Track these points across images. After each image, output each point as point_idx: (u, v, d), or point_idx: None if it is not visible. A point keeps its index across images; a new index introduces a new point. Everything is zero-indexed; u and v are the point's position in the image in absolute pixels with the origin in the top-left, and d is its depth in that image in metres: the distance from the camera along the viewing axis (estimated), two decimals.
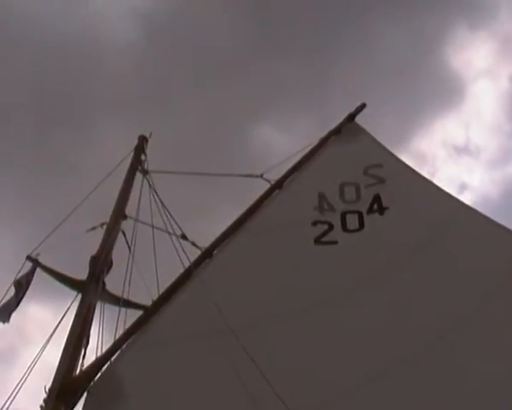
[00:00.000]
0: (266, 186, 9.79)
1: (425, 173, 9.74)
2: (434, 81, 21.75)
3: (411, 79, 20.89)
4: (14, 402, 6.91)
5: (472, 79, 22.92)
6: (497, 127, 22.67)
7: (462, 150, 23.49)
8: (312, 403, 7.13)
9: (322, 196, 9.56)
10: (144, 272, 8.36)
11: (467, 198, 21.45)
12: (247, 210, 9.43)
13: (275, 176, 9.85)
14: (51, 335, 7.59)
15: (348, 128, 10.65)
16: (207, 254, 8.83)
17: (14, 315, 7.94)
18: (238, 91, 18.87)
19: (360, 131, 10.61)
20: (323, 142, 10.45)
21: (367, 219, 9.14)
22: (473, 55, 22.76)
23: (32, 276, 8.28)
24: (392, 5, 20.26)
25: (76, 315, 7.76)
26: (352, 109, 10.62)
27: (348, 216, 9.21)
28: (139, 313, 8.11)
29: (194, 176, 9.78)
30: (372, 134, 10.35)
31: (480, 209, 8.88)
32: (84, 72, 18.35)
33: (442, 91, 22.29)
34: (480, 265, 8.17)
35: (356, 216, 9.20)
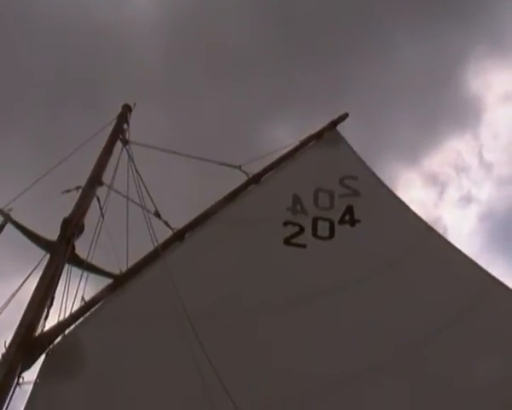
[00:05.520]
0: (244, 178, 9.84)
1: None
2: (451, 101, 22.08)
3: (428, 97, 21.15)
4: None
5: (489, 104, 23.21)
6: (511, 149, 23.01)
7: (473, 166, 23.82)
8: (261, 401, 7.21)
9: (296, 198, 9.69)
10: (114, 242, 8.35)
11: (473, 211, 23.33)
12: (222, 199, 9.49)
13: (253, 169, 9.89)
14: (15, 292, 7.52)
15: (329, 135, 10.79)
16: (179, 236, 8.88)
17: None
18: (252, 89, 18.86)
19: (341, 140, 10.77)
20: (304, 144, 10.56)
21: (338, 228, 9.32)
22: (492, 80, 23.10)
23: (1, 230, 8.19)
24: (416, 21, 20.46)
25: (42, 275, 7.68)
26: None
27: (320, 222, 9.37)
28: (106, 283, 8.09)
29: (177, 158, 9.74)
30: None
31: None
32: (106, 55, 18.13)
33: (458, 112, 22.63)
34: (440, 292, 8.42)
35: (327, 224, 9.36)
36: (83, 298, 7.72)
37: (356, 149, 10.79)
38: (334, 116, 11.06)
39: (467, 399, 7.28)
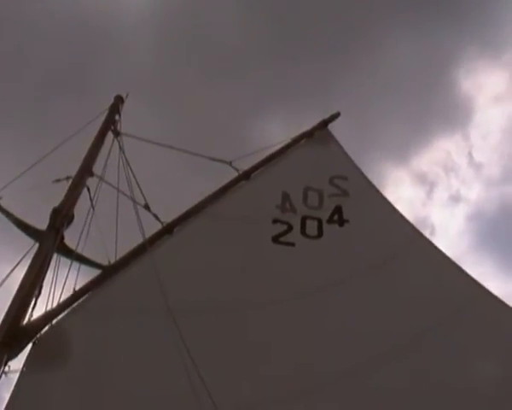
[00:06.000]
0: (234, 174, 9.87)
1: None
2: (442, 101, 22.18)
3: (419, 96, 21.25)
4: None
5: (480, 104, 23.36)
6: (500, 150, 23.35)
7: (463, 166, 24.01)
8: (243, 399, 7.21)
9: (285, 196, 9.74)
10: (104, 234, 8.36)
11: (461, 211, 23.39)
12: (212, 194, 9.52)
13: (244, 166, 9.93)
14: (3, 280, 7.49)
15: (320, 134, 10.83)
16: (168, 229, 8.89)
17: None
18: (244, 85, 18.86)
19: (331, 139, 10.82)
20: (295, 142, 10.61)
21: (326, 227, 9.36)
22: (483, 81, 23.20)
23: None
24: (408, 20, 20.54)
25: (31, 264, 7.66)
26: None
27: (308, 221, 9.41)
28: (94, 274, 8.09)
29: (168, 152, 9.75)
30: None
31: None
32: (99, 45, 18.07)
33: (448, 112, 22.70)
34: (426, 294, 8.50)
35: (316, 223, 9.41)
36: (74, 289, 7.71)
37: (346, 146, 10.87)
38: (326, 113, 11.12)
39: (454, 398, 7.35)
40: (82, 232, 8.17)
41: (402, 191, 22.03)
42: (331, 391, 7.34)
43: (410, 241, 9.34)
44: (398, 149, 22.91)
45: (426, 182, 23.42)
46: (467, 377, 7.58)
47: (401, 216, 9.66)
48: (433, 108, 21.74)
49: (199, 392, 6.71)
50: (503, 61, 22.48)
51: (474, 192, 24.28)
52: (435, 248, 9.23)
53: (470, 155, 23.31)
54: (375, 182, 10.26)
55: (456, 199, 23.88)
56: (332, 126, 11.02)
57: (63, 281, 7.69)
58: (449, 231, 23.37)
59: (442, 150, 23.27)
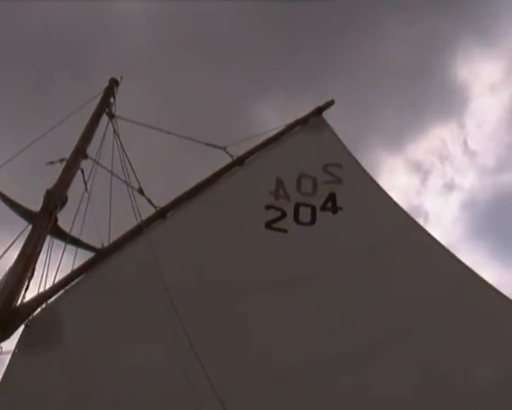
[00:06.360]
0: (228, 160, 9.88)
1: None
2: (438, 88, 22.03)
3: (415, 83, 21.12)
4: None
5: (476, 93, 23.29)
6: (495, 139, 23.27)
7: (458, 155, 23.94)
8: (238, 385, 7.25)
9: (279, 182, 9.75)
10: (97, 217, 8.37)
11: (455, 199, 23.37)
12: (206, 180, 9.53)
13: (238, 151, 9.93)
14: None
15: (315, 121, 10.83)
16: (161, 213, 8.91)
17: None
18: (240, 71, 18.80)
19: (326, 126, 10.81)
20: (290, 128, 10.61)
21: (319, 214, 9.39)
22: (480, 69, 23.01)
23: None
24: (404, 7, 20.37)
25: (24, 246, 7.67)
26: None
27: (302, 208, 9.43)
28: (88, 257, 8.11)
29: (163, 136, 9.73)
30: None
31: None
32: (95, 27, 17.97)
33: (444, 100, 22.58)
34: (419, 283, 8.55)
35: (309, 210, 9.43)
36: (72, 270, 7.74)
37: (340, 133, 10.84)
38: (322, 99, 11.11)
39: (447, 386, 7.42)
40: (76, 215, 8.17)
41: (396, 179, 22.06)
42: (323, 376, 7.40)
43: (403, 229, 9.37)
44: (392, 136, 22.93)
45: (420, 170, 23.45)
46: (461, 364, 7.64)
47: (395, 204, 9.67)
48: (428, 95, 21.73)
49: (195, 372, 6.77)
50: (499, 49, 22.45)
51: (468, 181, 24.31)
52: (429, 235, 9.26)
53: (465, 143, 23.33)
54: (369, 170, 10.27)
55: (450, 187, 23.94)
56: (327, 114, 10.99)
57: (56, 263, 7.68)
58: (443, 219, 23.43)
59: (437, 138, 23.28)
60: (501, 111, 23.20)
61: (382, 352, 7.72)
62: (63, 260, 7.80)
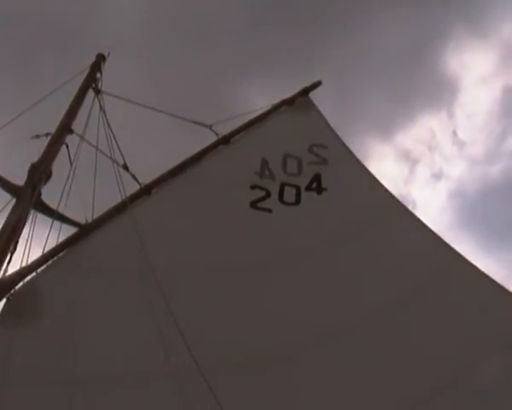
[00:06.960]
0: (214, 138, 9.86)
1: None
2: (428, 77, 22.02)
3: (405, 71, 21.04)
4: None
5: (466, 83, 23.34)
6: (485, 130, 23.36)
7: (446, 144, 23.88)
8: (221, 363, 7.23)
9: (264, 162, 9.74)
10: (82, 192, 8.35)
11: (443, 188, 23.46)
12: (191, 157, 9.52)
13: (224, 130, 9.92)
14: None
15: (301, 102, 10.83)
16: (146, 190, 8.90)
17: None
18: (227, 50, 18.69)
19: (312, 107, 10.81)
20: (275, 108, 10.60)
21: (304, 195, 9.40)
22: (470, 60, 22.96)
23: None
24: None
25: (7, 220, 7.64)
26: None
27: (286, 188, 9.44)
28: (70, 232, 8.10)
29: (149, 113, 9.72)
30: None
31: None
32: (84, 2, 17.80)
33: (434, 89, 22.58)
34: (403, 264, 8.58)
35: (294, 190, 9.44)
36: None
37: (328, 117, 10.84)
38: (309, 81, 11.08)
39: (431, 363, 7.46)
40: (62, 191, 8.14)
41: (384, 167, 22.09)
42: (309, 356, 7.43)
43: (388, 210, 9.39)
44: (381, 123, 22.87)
45: (409, 158, 23.46)
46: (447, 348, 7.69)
47: (381, 185, 9.69)
48: (418, 83, 21.75)
49: (177, 347, 6.76)
50: (490, 40, 22.48)
51: (456, 170, 24.39)
52: (413, 215, 9.30)
53: (455, 133, 23.36)
54: (357, 155, 10.26)
55: (438, 176, 24.01)
56: (314, 95, 10.99)
57: (39, 238, 7.66)
58: (431, 208, 23.51)
59: (426, 127, 23.32)
60: (491, 102, 23.29)
61: (365, 332, 7.75)
62: (47, 234, 7.75)
